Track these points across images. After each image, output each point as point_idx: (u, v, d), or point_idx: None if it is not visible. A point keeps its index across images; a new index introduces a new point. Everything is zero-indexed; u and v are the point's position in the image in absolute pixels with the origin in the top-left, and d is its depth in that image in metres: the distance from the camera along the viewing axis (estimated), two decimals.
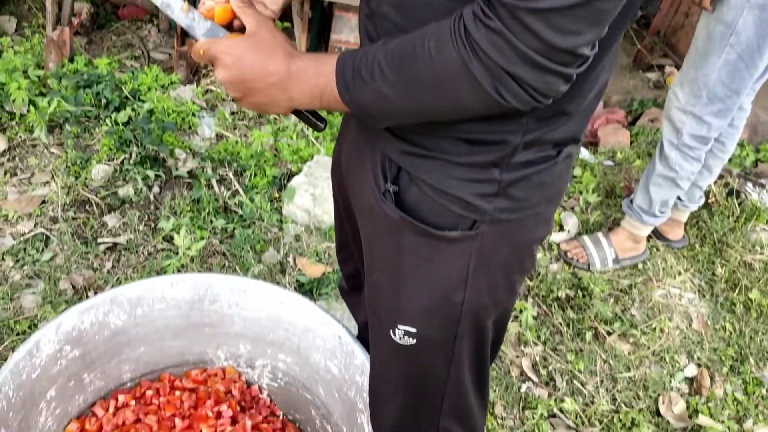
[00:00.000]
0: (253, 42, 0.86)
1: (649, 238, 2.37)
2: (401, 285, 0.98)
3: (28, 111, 2.38)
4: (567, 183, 0.98)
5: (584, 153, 2.73)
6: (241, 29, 0.91)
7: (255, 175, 2.30)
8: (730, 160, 2.65)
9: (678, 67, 3.37)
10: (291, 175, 2.30)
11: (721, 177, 2.59)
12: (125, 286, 1.45)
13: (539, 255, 2.29)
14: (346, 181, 1.07)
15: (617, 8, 0.68)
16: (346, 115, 1.10)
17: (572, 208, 2.47)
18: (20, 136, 2.34)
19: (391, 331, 1.01)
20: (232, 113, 2.61)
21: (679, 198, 2.27)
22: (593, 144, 2.88)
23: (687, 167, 2.11)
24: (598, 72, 0.82)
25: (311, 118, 0.95)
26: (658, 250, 2.39)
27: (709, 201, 2.52)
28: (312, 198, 2.17)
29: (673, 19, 3.37)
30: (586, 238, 2.35)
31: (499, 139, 0.82)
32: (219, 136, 2.49)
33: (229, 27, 0.93)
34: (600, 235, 2.34)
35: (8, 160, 2.28)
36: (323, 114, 0.98)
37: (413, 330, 0.99)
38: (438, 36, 0.72)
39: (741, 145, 2.85)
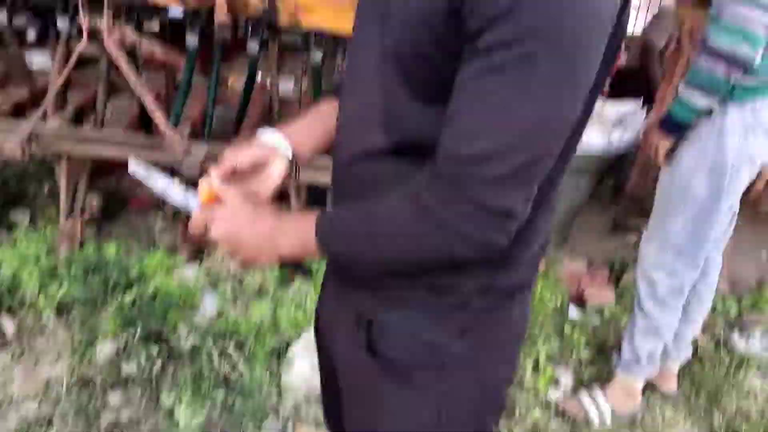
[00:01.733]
0: (237, 208, 0.98)
1: (644, 390, 2.41)
2: (378, 428, 1.05)
3: (38, 296, 2.50)
4: (525, 325, 1.08)
5: (573, 312, 2.82)
6: None
7: (255, 346, 2.38)
8: (714, 311, 2.75)
9: None
10: (288, 345, 2.38)
11: (707, 329, 2.67)
12: None
13: (539, 413, 2.31)
14: (325, 332, 1.17)
15: (543, 173, 0.82)
16: (325, 271, 1.22)
17: (566, 364, 2.53)
18: (29, 321, 2.44)
19: None
20: (233, 290, 2.73)
21: (666, 349, 2.34)
22: (581, 304, 2.99)
23: (666, 318, 2.21)
24: (538, 223, 0.94)
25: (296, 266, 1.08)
26: (655, 401, 2.42)
27: (698, 353, 2.59)
28: (310, 366, 2.23)
29: (645, 183, 3.60)
30: (582, 395, 2.38)
31: (456, 285, 0.94)
32: (220, 313, 2.60)
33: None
34: (596, 390, 2.38)
35: (17, 344, 2.36)
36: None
37: None
38: (399, 201, 0.86)
39: (723, 297, 2.96)
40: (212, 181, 1.04)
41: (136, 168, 1.07)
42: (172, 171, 2.43)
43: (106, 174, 3.32)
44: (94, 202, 3.15)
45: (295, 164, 1.11)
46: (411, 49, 0.85)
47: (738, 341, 2.67)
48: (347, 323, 1.04)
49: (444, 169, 0.80)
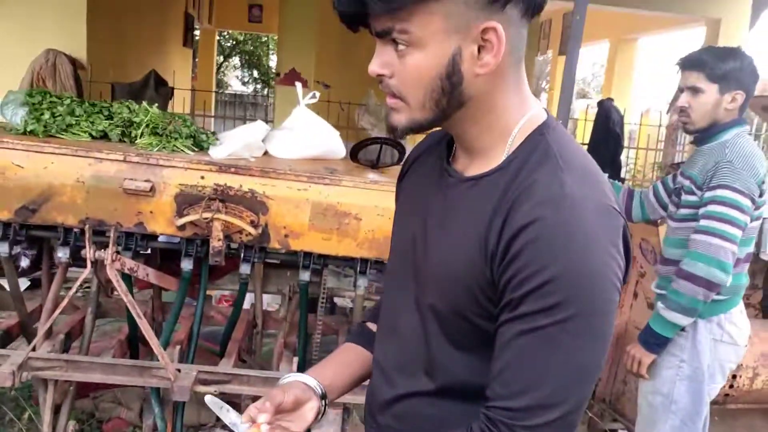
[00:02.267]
0: None
1: None
2: None
3: None
4: None
5: None
6: None
7: None
8: None
9: (629, 430, 3.64)
10: None
11: None
12: None
13: None
14: None
15: (582, 414, 0.95)
16: None
17: None
18: None
19: None
20: None
21: None
22: None
23: None
24: None
25: None
26: None
27: None
28: None
29: (613, 386, 3.73)
30: None
31: None
32: None
33: None
34: None
35: None
36: None
37: None
38: None
39: None
40: (262, 429, 1.12)
41: (211, 402, 1.17)
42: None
43: (83, 396, 3.28)
44: (72, 428, 3.09)
45: (325, 405, 1.19)
46: (450, 308, 1.00)
47: None
48: None
49: (498, 417, 0.92)
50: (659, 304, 2.24)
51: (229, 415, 1.16)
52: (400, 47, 0.93)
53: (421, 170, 1.17)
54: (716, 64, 2.26)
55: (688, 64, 2.33)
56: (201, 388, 2.61)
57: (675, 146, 11.19)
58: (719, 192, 2.16)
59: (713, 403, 3.03)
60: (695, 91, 2.31)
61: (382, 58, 0.97)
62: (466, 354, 1.01)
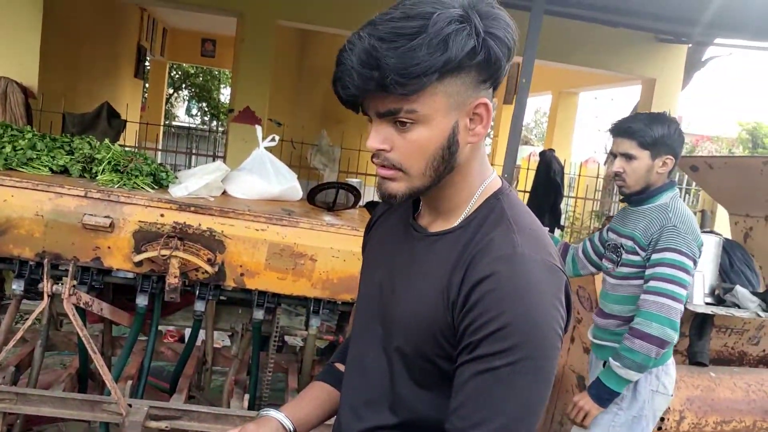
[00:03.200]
0: None
1: None
2: None
3: None
4: None
5: None
6: None
7: None
8: None
9: None
10: None
11: None
12: None
13: None
14: None
15: None
16: None
17: None
18: None
19: None
20: None
21: None
22: None
23: None
24: None
25: None
26: None
27: None
28: None
29: (550, 427, 3.88)
30: None
31: None
32: None
33: None
34: None
35: None
36: None
37: None
38: None
39: None
40: None
41: None
42: None
43: (27, 429, 3.24)
44: None
45: None
46: (414, 351, 1.12)
47: None
48: None
49: None
50: (613, 362, 2.34)
51: None
52: (406, 124, 1.04)
53: (387, 224, 1.30)
54: (646, 132, 2.42)
55: (620, 131, 2.50)
56: (152, 424, 2.64)
57: (612, 196, 11.66)
58: (667, 255, 2.30)
59: None
60: (628, 157, 2.47)
61: (382, 135, 1.06)
62: (427, 391, 1.12)
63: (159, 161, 6.27)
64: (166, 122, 17.82)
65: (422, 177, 1.08)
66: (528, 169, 8.56)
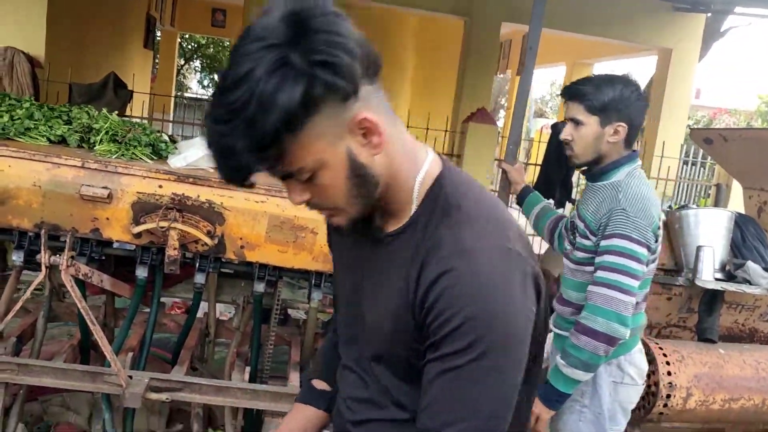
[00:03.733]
0: None
1: None
2: None
3: None
4: None
5: None
6: None
7: None
8: None
9: None
10: None
11: None
12: None
13: None
14: None
15: None
16: None
17: None
18: None
19: None
20: None
21: None
22: None
23: None
24: None
25: None
26: None
27: None
28: None
29: None
30: None
31: None
32: None
33: None
34: None
35: None
36: None
37: None
38: None
39: None
40: None
41: None
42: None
43: (31, 399, 3.25)
44: (20, 429, 3.06)
45: None
46: (388, 352, 1.12)
47: None
48: None
49: None
50: (559, 360, 2.15)
51: None
52: (304, 178, 0.99)
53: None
54: (595, 95, 2.18)
55: (569, 94, 2.26)
56: (152, 395, 2.64)
57: None
58: (615, 241, 2.09)
59: (648, 421, 3.17)
60: (576, 123, 2.23)
61: (297, 191, 1.02)
62: (414, 386, 1.09)
63: (170, 132, 6.23)
64: (178, 93, 17.77)
65: (354, 206, 1.05)
66: (540, 141, 8.45)
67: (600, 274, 2.11)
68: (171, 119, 11.35)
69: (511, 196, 2.98)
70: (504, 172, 2.78)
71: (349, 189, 1.01)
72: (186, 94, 20.52)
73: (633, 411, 2.84)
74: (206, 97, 20.46)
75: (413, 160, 1.09)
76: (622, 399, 2.27)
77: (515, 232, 1.06)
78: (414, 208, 1.08)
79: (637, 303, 2.23)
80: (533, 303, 1.03)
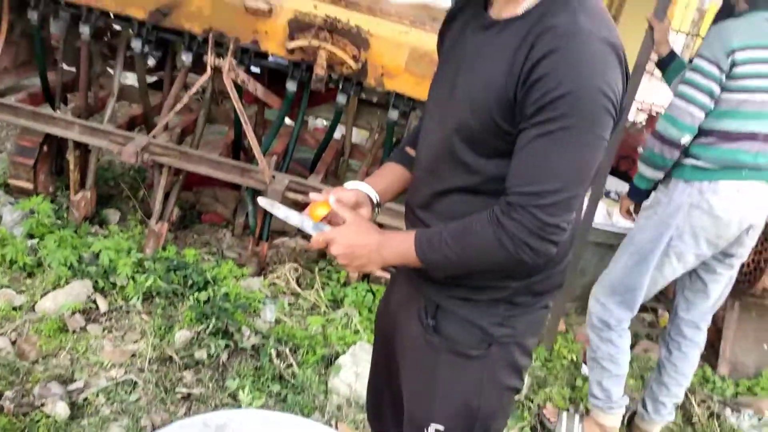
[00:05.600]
0: (354, 227, 1.36)
1: None
2: (435, 393, 1.43)
3: (127, 283, 2.90)
4: (543, 325, 1.48)
5: (585, 369, 3.15)
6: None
7: (307, 353, 2.74)
8: (713, 389, 3.08)
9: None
10: (337, 356, 2.74)
11: (704, 401, 2.99)
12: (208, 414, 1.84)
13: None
14: (394, 320, 1.54)
15: (580, 202, 1.22)
16: (393, 275, 1.60)
17: (573, 411, 2.84)
18: (119, 303, 2.84)
19: (426, 429, 1.43)
20: (290, 304, 3.11)
21: (645, 409, 2.68)
22: None
23: (603, 348, 2.59)
24: (569, 243, 1.34)
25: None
26: None
27: (693, 421, 2.90)
28: (355, 375, 2.59)
29: None
30: (564, 412, 2.74)
31: (504, 285, 1.33)
32: (278, 321, 2.97)
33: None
34: (577, 416, 2.72)
35: (107, 319, 2.76)
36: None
37: (442, 428, 1.42)
38: (480, 221, 1.24)
39: (723, 378, 3.27)
40: (332, 204, 1.40)
41: (263, 202, 1.45)
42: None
43: (187, 189, 3.76)
44: (176, 213, 3.58)
45: (377, 207, 1.50)
46: (476, 126, 1.26)
47: (729, 417, 2.97)
48: (418, 309, 1.42)
49: (514, 200, 1.19)
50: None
51: (280, 211, 1.41)
52: None
53: (463, 17, 1.39)
54: None
55: None
56: (290, 194, 3.00)
57: None
58: (694, 60, 2.37)
59: (751, 295, 3.23)
60: None
61: None
62: (487, 159, 1.27)
63: None
64: None
65: None
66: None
67: (678, 87, 2.40)
68: None
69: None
70: (651, 28, 2.74)
71: None
72: None
73: (736, 283, 2.93)
74: None
75: None
76: (694, 222, 2.38)
77: (617, 32, 1.20)
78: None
79: (730, 133, 2.33)
80: (623, 85, 1.20)
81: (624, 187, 3.69)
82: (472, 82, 1.26)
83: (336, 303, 3.17)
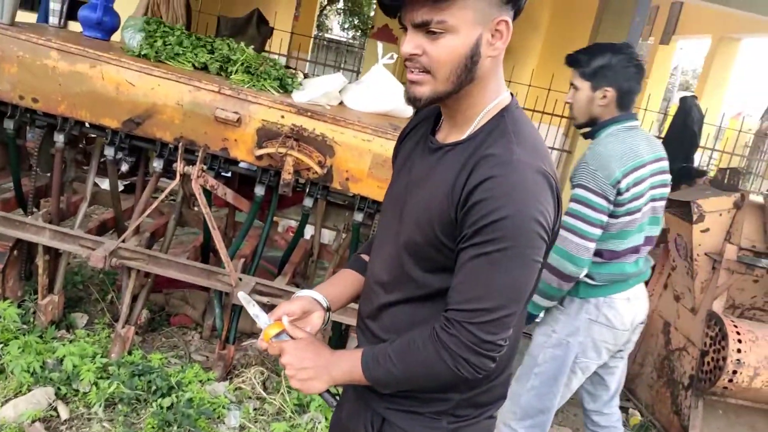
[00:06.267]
0: (307, 343, 1.40)
1: None
2: None
3: (90, 390, 2.87)
4: None
5: None
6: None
7: None
8: None
9: (639, 410, 3.89)
10: None
11: None
12: None
13: None
14: (345, 427, 1.56)
15: (516, 320, 1.27)
16: (344, 389, 1.63)
17: None
18: (81, 410, 2.80)
19: None
20: (255, 409, 3.08)
21: None
22: None
23: None
24: (508, 357, 1.39)
25: (331, 398, 1.47)
26: None
27: None
28: None
29: (630, 367, 3.96)
30: None
31: (447, 398, 1.37)
32: (242, 427, 2.93)
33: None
34: None
35: (67, 428, 2.71)
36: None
37: None
38: (423, 337, 1.29)
39: None
40: (285, 324, 1.45)
41: (242, 297, 1.50)
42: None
43: (157, 291, 3.77)
44: (144, 315, 3.58)
45: (328, 314, 1.54)
46: (421, 242, 1.33)
47: None
48: (364, 422, 1.46)
49: (453, 316, 1.25)
50: None
51: (254, 308, 1.47)
52: (436, 34, 1.22)
53: (414, 137, 1.49)
54: (587, 62, 2.43)
55: (568, 61, 2.51)
56: (256, 297, 3.03)
57: (760, 154, 10.91)
58: (575, 191, 2.38)
59: (711, 393, 3.25)
60: (574, 88, 2.50)
61: (415, 42, 1.25)
62: (431, 275, 1.33)
63: (306, 71, 6.60)
64: (318, 34, 18.30)
65: (446, 82, 1.26)
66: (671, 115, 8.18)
67: (563, 218, 2.35)
68: (308, 59, 11.84)
69: None
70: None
71: (457, 65, 1.24)
72: (325, 35, 21.06)
73: (697, 381, 2.95)
74: (344, 40, 20.92)
75: (498, 88, 1.33)
76: (595, 336, 2.47)
77: (550, 161, 1.29)
78: (476, 125, 1.31)
79: (615, 253, 2.43)
80: (555, 211, 1.27)
81: None
82: (418, 201, 1.34)
83: (302, 407, 3.14)
